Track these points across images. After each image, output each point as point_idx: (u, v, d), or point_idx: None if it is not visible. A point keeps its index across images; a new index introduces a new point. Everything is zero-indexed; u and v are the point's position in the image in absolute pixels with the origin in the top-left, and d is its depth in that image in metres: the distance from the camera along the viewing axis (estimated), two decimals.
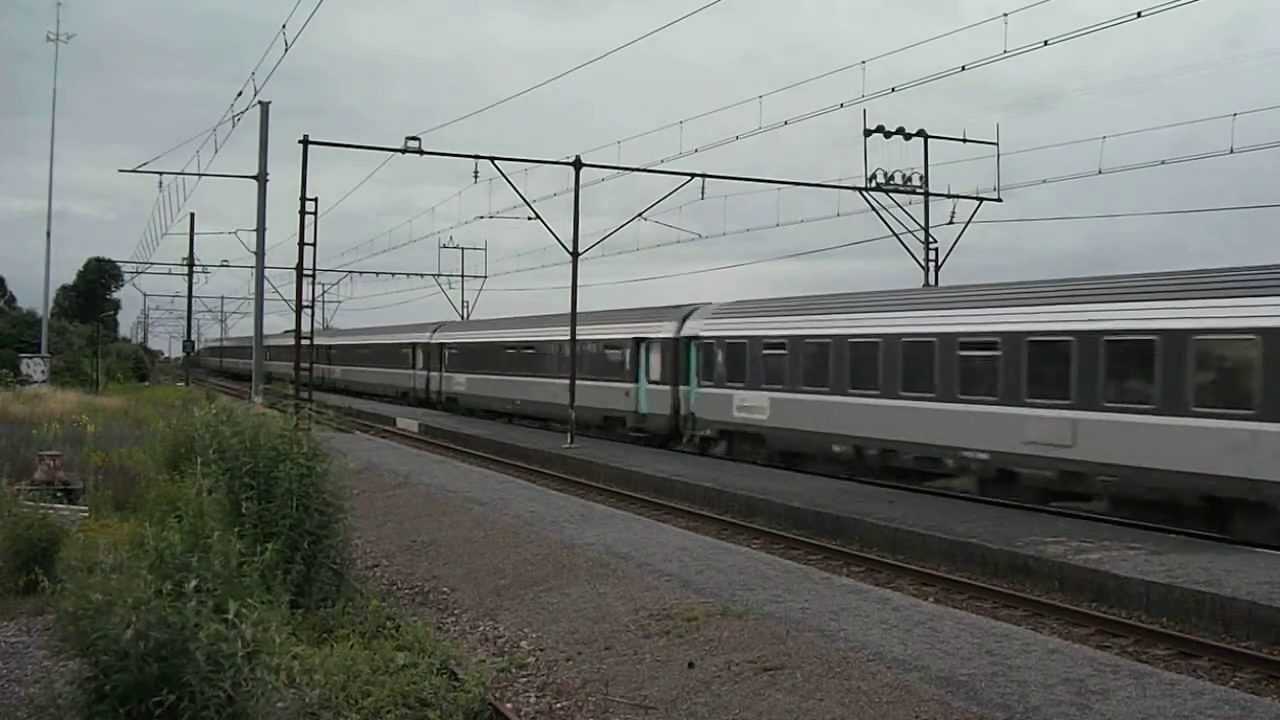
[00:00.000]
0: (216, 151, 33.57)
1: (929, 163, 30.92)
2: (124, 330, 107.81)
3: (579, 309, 31.37)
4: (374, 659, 8.81)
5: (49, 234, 48.81)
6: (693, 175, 30.45)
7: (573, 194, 30.86)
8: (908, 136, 30.35)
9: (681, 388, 29.87)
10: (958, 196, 31.24)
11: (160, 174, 34.57)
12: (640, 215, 32.86)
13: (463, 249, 64.17)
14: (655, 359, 30.91)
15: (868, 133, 29.57)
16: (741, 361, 26.90)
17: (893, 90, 26.65)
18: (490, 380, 42.69)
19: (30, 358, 46.03)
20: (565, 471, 27.44)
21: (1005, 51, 22.82)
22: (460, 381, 45.84)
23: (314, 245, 29.65)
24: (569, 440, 30.59)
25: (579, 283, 31.17)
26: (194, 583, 6.28)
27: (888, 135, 30.00)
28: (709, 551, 14.14)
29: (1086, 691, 8.06)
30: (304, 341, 30.61)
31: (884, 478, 22.59)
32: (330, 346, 66.80)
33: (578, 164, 30.68)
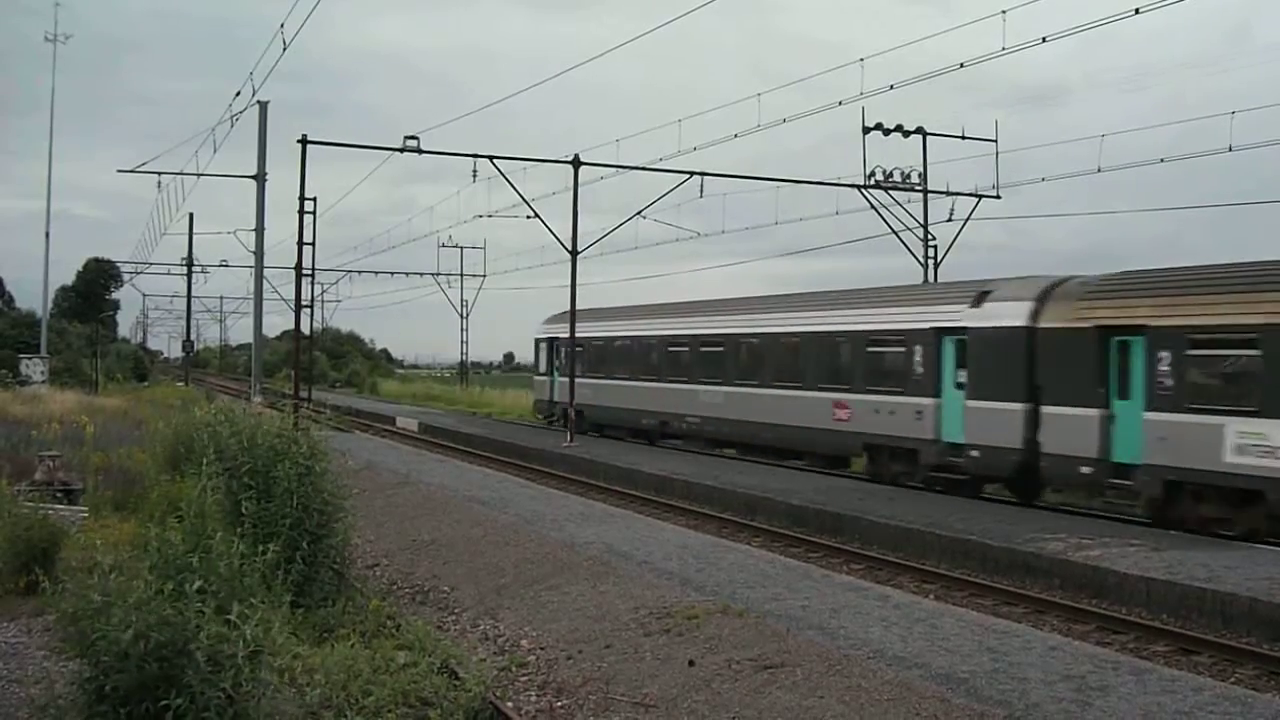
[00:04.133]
0: (215, 151, 33.63)
1: (928, 160, 30.95)
2: (123, 330, 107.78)
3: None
4: (374, 658, 8.81)
5: (48, 234, 48.77)
6: (691, 173, 30.46)
7: (572, 192, 30.88)
8: (906, 134, 30.34)
9: None
10: (956, 194, 31.27)
11: (159, 174, 34.69)
12: (639, 214, 32.86)
13: (461, 248, 64.23)
14: None
15: (866, 130, 29.56)
16: None
17: (891, 88, 26.62)
18: None
19: (29, 358, 45.99)
20: (565, 470, 27.42)
21: (1004, 48, 22.82)
22: None
23: (313, 245, 29.66)
24: (568, 439, 30.58)
25: (578, 281, 31.15)
26: (197, 584, 6.28)
27: (886, 133, 29.98)
28: (709, 550, 14.14)
29: (1087, 688, 8.06)
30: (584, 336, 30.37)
31: None
32: (654, 340, 32.27)
33: (576, 162, 30.67)
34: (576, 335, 31.13)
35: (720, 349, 29.01)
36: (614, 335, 34.51)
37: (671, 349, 31.34)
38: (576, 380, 31.70)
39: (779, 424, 25.85)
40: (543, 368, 38.37)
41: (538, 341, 38.84)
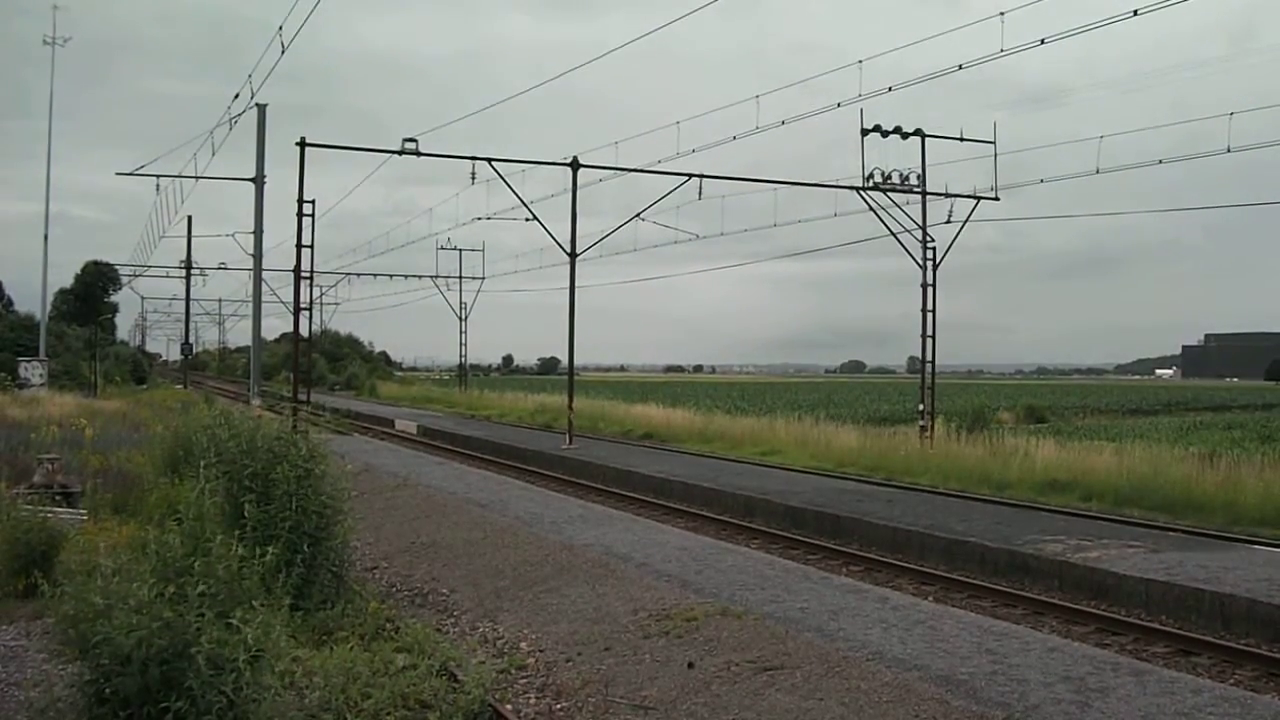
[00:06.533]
0: (214, 154, 33.52)
1: (926, 162, 30.94)
2: (122, 333, 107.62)
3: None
4: (374, 661, 8.81)
5: (46, 237, 48.83)
6: (690, 175, 30.50)
7: (571, 194, 30.90)
8: (905, 136, 30.34)
9: None
10: (955, 195, 31.26)
11: (158, 177, 34.71)
12: (638, 216, 32.91)
13: (460, 250, 64.34)
14: None
15: (865, 132, 29.57)
16: None
17: (889, 90, 26.67)
18: None
19: (28, 361, 45.99)
20: (564, 472, 27.43)
21: (1002, 50, 22.83)
22: None
23: (312, 247, 29.65)
24: (568, 441, 30.59)
25: (577, 284, 31.15)
26: (200, 588, 6.28)
27: (885, 135, 29.99)
28: (708, 552, 14.14)
29: (1086, 689, 8.06)
30: None
31: None
32: None
33: (575, 165, 30.70)
34: None
35: None
36: None
37: None
38: None
39: None
40: None
41: None
